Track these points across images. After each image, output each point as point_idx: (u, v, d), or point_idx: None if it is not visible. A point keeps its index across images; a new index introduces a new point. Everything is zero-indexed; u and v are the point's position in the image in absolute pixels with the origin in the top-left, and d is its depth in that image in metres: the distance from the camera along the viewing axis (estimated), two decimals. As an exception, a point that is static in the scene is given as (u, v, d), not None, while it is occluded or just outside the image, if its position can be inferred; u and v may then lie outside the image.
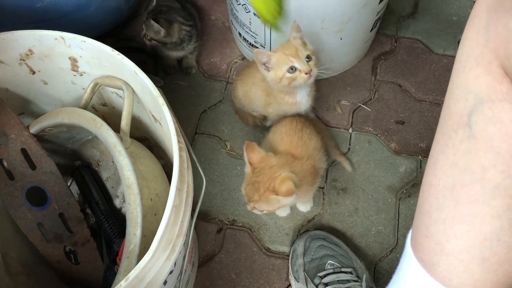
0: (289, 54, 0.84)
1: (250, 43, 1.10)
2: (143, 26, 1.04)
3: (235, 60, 1.18)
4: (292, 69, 0.84)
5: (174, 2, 1.08)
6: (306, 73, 0.83)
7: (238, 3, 1.00)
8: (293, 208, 0.98)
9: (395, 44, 1.20)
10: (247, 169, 0.79)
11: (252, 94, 0.99)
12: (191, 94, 1.14)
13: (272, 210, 0.80)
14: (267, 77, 0.89)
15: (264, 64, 0.86)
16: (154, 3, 1.04)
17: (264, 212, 0.80)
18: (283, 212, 0.96)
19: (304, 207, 0.97)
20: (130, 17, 1.24)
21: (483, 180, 0.44)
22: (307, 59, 0.84)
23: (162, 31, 1.01)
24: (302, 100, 0.93)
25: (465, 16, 1.24)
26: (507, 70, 0.40)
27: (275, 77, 0.86)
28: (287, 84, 0.86)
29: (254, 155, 0.78)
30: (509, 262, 0.48)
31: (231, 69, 1.17)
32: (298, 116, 0.95)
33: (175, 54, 1.11)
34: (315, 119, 1.04)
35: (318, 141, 0.90)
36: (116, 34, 1.23)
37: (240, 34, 1.12)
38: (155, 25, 0.99)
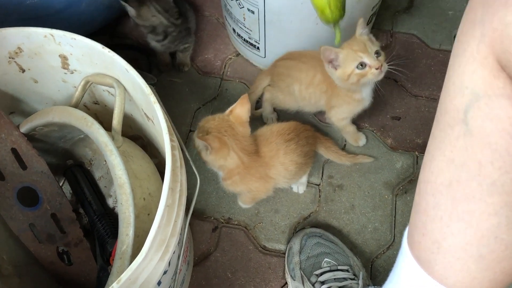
0: (358, 50, 0.82)
1: (244, 39, 1.09)
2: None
3: (230, 57, 1.17)
4: (362, 65, 0.82)
5: None
6: (376, 68, 0.81)
7: (232, -2, 0.99)
8: (289, 206, 0.97)
9: (391, 39, 1.19)
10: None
11: (308, 94, 0.95)
12: (185, 91, 1.13)
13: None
14: (333, 76, 0.87)
15: (331, 61, 0.85)
16: None
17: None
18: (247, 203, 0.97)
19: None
20: (122, 14, 1.22)
21: (480, 177, 0.44)
22: (376, 55, 0.83)
23: (132, 11, 0.99)
24: (367, 96, 0.92)
25: (461, 10, 1.23)
26: (504, 65, 0.39)
27: (343, 75, 0.84)
28: (356, 81, 0.84)
29: (242, 109, 0.79)
30: (506, 259, 0.47)
31: (225, 66, 1.16)
32: (302, 126, 0.92)
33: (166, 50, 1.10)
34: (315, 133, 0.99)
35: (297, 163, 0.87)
36: (109, 31, 1.21)
37: (234, 30, 1.11)
38: (125, 4, 0.98)
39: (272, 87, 1.02)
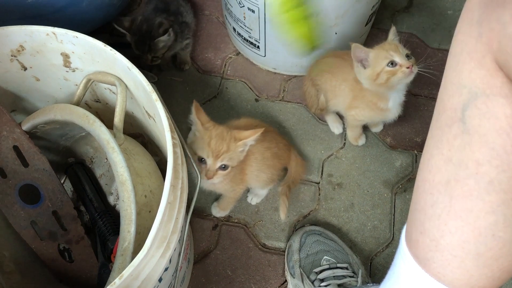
0: (389, 49, 0.84)
1: (244, 38, 1.10)
2: None
3: (230, 56, 1.18)
4: (392, 63, 0.83)
5: None
6: (407, 67, 0.82)
7: (232, -3, 0.99)
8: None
9: (390, 39, 1.19)
10: (197, 127, 0.78)
11: (340, 91, 0.96)
12: (185, 89, 1.13)
13: (232, 175, 0.80)
14: (361, 75, 0.88)
15: (361, 61, 0.86)
16: None
17: (223, 179, 0.80)
18: (255, 198, 0.97)
19: (216, 211, 0.97)
20: (123, 12, 1.23)
21: (478, 175, 0.44)
22: (407, 57, 0.84)
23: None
24: (393, 107, 0.91)
25: (460, 9, 1.22)
26: (501, 64, 0.39)
27: (372, 74, 0.85)
28: (385, 80, 0.84)
29: (201, 115, 0.79)
30: (503, 257, 0.48)
31: (225, 65, 1.16)
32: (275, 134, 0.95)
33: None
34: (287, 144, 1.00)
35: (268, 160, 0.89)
36: (109, 29, 1.22)
37: (234, 29, 1.11)
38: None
39: (312, 86, 1.02)
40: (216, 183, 0.80)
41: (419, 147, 1.04)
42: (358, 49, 0.85)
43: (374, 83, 0.86)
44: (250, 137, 0.77)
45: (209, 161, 0.76)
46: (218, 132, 0.77)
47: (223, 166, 0.77)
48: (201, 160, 0.77)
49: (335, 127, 1.05)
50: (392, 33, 0.87)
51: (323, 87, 0.98)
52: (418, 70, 0.85)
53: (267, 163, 0.89)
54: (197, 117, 0.78)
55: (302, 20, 0.74)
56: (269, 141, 0.89)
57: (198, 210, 0.97)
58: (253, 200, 0.98)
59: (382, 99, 0.90)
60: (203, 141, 0.76)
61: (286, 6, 0.74)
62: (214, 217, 0.97)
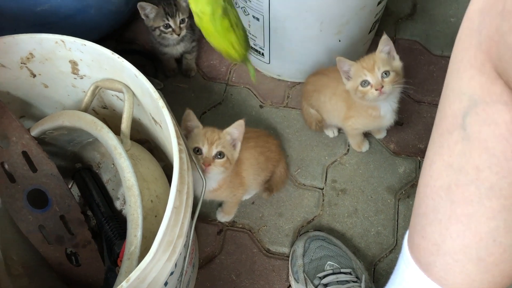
0: (365, 67, 0.85)
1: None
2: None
3: (234, 62, 1.19)
4: (365, 83, 0.85)
5: None
6: (376, 89, 0.84)
7: (237, 5, 1.01)
8: (293, 209, 0.98)
9: (394, 46, 1.20)
10: (195, 124, 0.82)
11: (331, 106, 0.97)
12: (190, 96, 1.14)
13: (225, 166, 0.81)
14: (346, 86, 0.89)
15: (345, 72, 0.88)
16: None
17: (220, 175, 0.82)
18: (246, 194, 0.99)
19: (222, 214, 0.98)
20: (129, 20, 1.25)
21: (478, 181, 0.45)
22: (384, 74, 0.84)
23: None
24: (386, 115, 0.92)
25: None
26: (500, 71, 0.40)
27: (352, 88, 0.87)
28: (361, 97, 0.86)
29: (192, 123, 0.83)
30: (505, 262, 0.48)
31: (230, 71, 1.18)
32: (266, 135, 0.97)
33: (173, 50, 1.11)
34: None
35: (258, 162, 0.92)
36: (116, 37, 1.23)
37: (239, 37, 1.12)
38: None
39: (308, 106, 1.04)
40: (213, 175, 0.80)
41: (423, 153, 1.04)
42: (341, 62, 0.87)
43: (355, 96, 0.89)
44: (231, 127, 0.81)
45: (205, 149, 0.79)
46: (210, 128, 0.82)
47: (219, 154, 0.79)
48: (197, 152, 0.79)
49: (330, 131, 1.07)
50: (382, 43, 0.86)
51: (315, 105, 1.01)
52: (403, 86, 0.86)
53: (261, 167, 0.92)
54: (195, 121, 0.83)
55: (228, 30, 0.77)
56: (262, 146, 0.92)
57: (203, 215, 0.98)
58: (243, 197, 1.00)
59: (373, 108, 0.91)
60: (199, 136, 0.80)
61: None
62: (219, 222, 0.97)
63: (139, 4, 1.00)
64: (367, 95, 0.85)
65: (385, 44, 0.86)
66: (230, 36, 0.77)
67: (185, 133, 0.82)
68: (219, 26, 0.72)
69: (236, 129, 0.81)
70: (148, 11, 1.01)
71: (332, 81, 0.96)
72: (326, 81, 0.97)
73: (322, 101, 0.98)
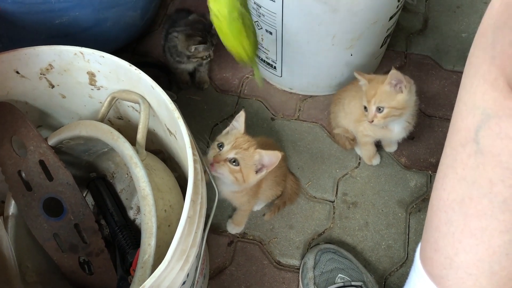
0: (367, 94, 0.89)
1: (261, 59, 1.12)
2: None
3: (247, 75, 1.20)
4: (365, 108, 0.90)
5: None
6: (369, 120, 0.89)
7: (251, 20, 1.02)
8: (304, 222, 0.98)
9: (405, 60, 1.21)
10: (240, 127, 0.82)
11: (348, 109, 1.01)
12: (203, 108, 1.16)
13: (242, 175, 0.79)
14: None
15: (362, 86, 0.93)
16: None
17: (228, 175, 0.78)
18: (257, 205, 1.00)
19: (232, 226, 0.98)
20: (144, 33, 1.27)
21: (491, 195, 0.45)
22: (378, 110, 0.88)
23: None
24: (393, 129, 0.95)
25: (475, 32, 1.24)
26: (514, 86, 0.41)
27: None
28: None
29: (237, 123, 0.82)
30: (518, 276, 0.48)
31: (242, 84, 1.19)
32: None
33: (188, 66, 1.13)
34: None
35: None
36: (131, 49, 1.26)
37: (252, 50, 1.14)
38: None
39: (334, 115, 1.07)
40: (221, 175, 0.78)
41: (434, 167, 1.05)
42: (359, 75, 0.92)
43: None
44: (267, 152, 0.78)
45: (226, 148, 0.78)
46: (248, 138, 0.80)
47: (233, 160, 0.77)
48: (219, 146, 0.78)
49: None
50: (389, 77, 0.85)
51: (338, 115, 1.04)
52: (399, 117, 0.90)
53: (277, 180, 0.93)
54: (242, 124, 0.82)
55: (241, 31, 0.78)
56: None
57: (214, 226, 0.99)
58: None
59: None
60: (231, 136, 0.80)
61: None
62: (230, 233, 0.98)
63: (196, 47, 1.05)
64: (366, 117, 0.90)
65: (392, 78, 0.86)
66: (242, 38, 0.79)
67: (228, 130, 0.83)
68: (234, 27, 0.74)
69: (269, 157, 0.78)
70: (201, 49, 1.06)
71: (353, 88, 1.00)
72: (349, 88, 1.02)
73: (342, 103, 1.02)
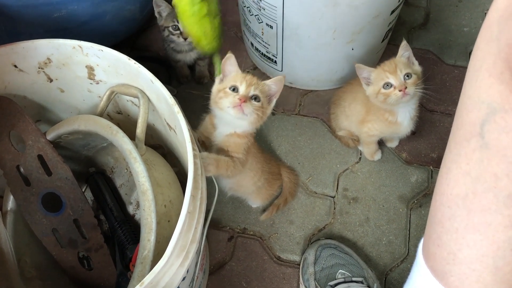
0: (387, 70, 0.86)
1: (262, 53, 1.12)
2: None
3: (247, 70, 1.20)
4: (388, 85, 0.86)
5: None
6: (400, 90, 0.84)
7: (251, 13, 1.01)
8: (304, 217, 0.98)
9: (406, 55, 1.20)
10: (235, 69, 0.81)
11: (350, 111, 1.00)
12: (203, 103, 1.15)
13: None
14: (366, 91, 0.91)
15: (365, 79, 0.90)
16: None
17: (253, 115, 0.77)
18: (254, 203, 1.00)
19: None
20: (143, 27, 1.26)
21: (496, 189, 0.44)
22: (406, 77, 0.85)
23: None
24: (403, 122, 0.93)
25: (476, 27, 1.24)
26: (520, 80, 0.40)
27: (373, 92, 0.88)
28: (383, 100, 0.87)
29: (231, 67, 0.80)
30: (522, 272, 0.48)
31: (243, 79, 1.18)
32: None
33: (186, 56, 1.12)
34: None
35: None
36: (130, 43, 1.25)
37: (252, 44, 1.13)
38: None
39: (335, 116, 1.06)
40: (246, 113, 0.76)
41: (435, 162, 1.04)
42: (360, 69, 0.89)
43: (376, 100, 0.89)
44: (272, 80, 0.79)
45: (242, 88, 0.76)
46: (250, 75, 0.80)
47: (255, 97, 0.76)
48: (233, 90, 0.77)
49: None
50: (402, 48, 0.88)
51: (339, 118, 1.03)
52: (423, 90, 0.87)
53: (269, 179, 0.94)
54: (235, 66, 0.81)
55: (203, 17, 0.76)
56: (269, 162, 0.94)
57: (214, 222, 0.98)
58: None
59: (391, 113, 0.92)
60: (238, 76, 0.79)
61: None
62: (230, 228, 0.97)
63: (155, 0, 1.00)
64: (390, 97, 0.85)
65: (404, 49, 0.88)
66: (205, 24, 0.77)
67: (221, 77, 0.81)
68: (197, 10, 0.72)
69: (275, 84, 0.79)
70: (162, 8, 1.01)
71: (353, 88, 0.99)
72: (349, 89, 1.01)
73: (343, 106, 1.01)
